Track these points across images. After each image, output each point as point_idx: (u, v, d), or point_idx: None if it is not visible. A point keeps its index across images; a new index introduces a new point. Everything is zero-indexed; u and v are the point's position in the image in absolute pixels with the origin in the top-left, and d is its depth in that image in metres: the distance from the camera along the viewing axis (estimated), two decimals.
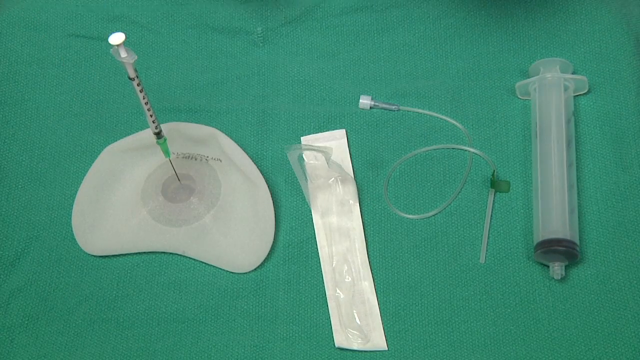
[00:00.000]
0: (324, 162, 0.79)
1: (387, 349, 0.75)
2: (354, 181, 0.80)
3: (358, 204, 0.80)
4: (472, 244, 0.79)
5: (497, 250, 0.78)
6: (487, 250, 0.78)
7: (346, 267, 0.78)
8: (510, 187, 0.81)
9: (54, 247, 0.81)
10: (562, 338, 0.75)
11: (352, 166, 0.82)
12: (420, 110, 0.84)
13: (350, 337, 0.75)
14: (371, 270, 0.78)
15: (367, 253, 0.78)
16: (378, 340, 0.75)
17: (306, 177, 0.81)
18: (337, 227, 0.79)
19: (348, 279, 0.78)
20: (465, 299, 0.77)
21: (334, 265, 0.78)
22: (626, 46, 0.85)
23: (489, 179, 0.81)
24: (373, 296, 0.77)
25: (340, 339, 0.76)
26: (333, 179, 0.80)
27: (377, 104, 0.84)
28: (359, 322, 0.76)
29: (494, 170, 0.81)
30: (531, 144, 0.82)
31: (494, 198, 0.80)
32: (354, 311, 0.76)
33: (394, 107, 0.84)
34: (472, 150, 0.82)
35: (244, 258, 0.79)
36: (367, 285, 0.77)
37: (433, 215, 0.80)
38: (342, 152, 0.82)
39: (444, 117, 0.84)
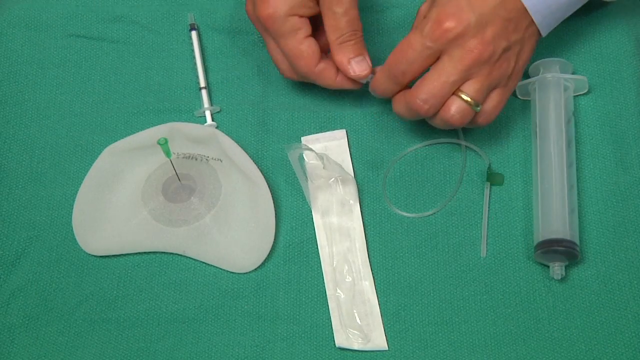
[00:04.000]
0: (327, 158, 0.79)
1: (387, 348, 0.75)
2: (354, 181, 0.80)
3: (358, 204, 0.80)
4: (472, 242, 0.79)
5: (497, 250, 0.79)
6: (487, 246, 0.78)
7: (346, 267, 0.78)
8: (504, 180, 0.81)
9: (54, 247, 0.80)
10: (562, 338, 0.75)
11: (353, 166, 0.82)
12: None
13: (351, 337, 0.76)
14: (371, 270, 0.78)
15: (368, 253, 0.78)
16: (378, 340, 0.75)
17: (306, 177, 0.81)
18: (338, 227, 0.79)
19: (348, 278, 0.78)
20: (466, 298, 0.77)
21: (334, 265, 0.78)
22: (626, 46, 0.85)
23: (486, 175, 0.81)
24: (374, 296, 0.77)
25: (341, 339, 0.76)
26: (333, 179, 0.80)
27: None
28: (359, 322, 0.76)
29: (489, 164, 0.81)
30: (531, 144, 0.82)
31: (490, 191, 0.80)
32: (355, 311, 0.76)
33: None
34: (464, 143, 0.82)
35: (244, 258, 0.79)
36: (367, 285, 0.77)
37: (432, 214, 0.80)
38: (342, 152, 0.82)
39: None
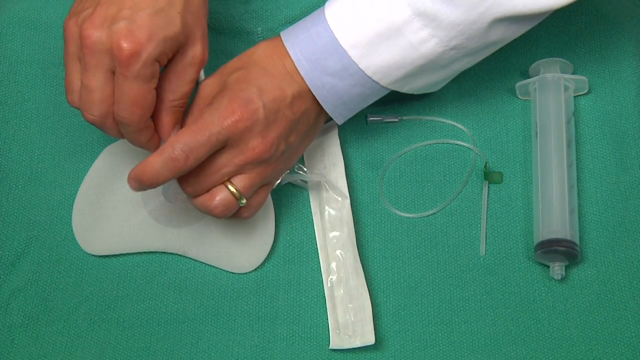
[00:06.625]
0: (319, 158, 0.79)
1: (373, 342, 0.74)
2: (344, 177, 0.80)
3: (348, 200, 0.79)
4: (472, 243, 0.79)
5: (497, 250, 0.79)
6: (486, 248, 0.78)
7: (336, 263, 0.78)
8: (504, 180, 0.81)
9: (54, 247, 0.80)
10: (562, 338, 0.75)
11: (346, 161, 0.81)
12: (424, 118, 0.84)
13: (345, 337, 0.75)
14: (362, 265, 0.77)
15: (358, 248, 0.78)
16: (368, 335, 0.75)
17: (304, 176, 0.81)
18: (331, 226, 0.79)
19: (341, 274, 0.77)
20: (465, 299, 0.77)
21: (329, 263, 0.78)
22: (626, 46, 0.85)
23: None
24: (365, 291, 0.76)
25: (336, 341, 0.75)
26: (325, 176, 0.80)
27: (374, 118, 0.83)
28: (352, 319, 0.76)
29: (486, 162, 0.81)
30: (531, 144, 0.82)
31: (488, 189, 0.80)
32: (348, 308, 0.76)
33: (396, 119, 0.83)
34: (461, 143, 0.82)
35: (244, 258, 0.79)
36: (359, 281, 0.77)
37: (432, 214, 0.80)
38: (333, 145, 0.82)
39: (448, 121, 0.83)
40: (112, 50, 0.65)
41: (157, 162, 0.68)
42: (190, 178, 0.70)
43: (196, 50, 0.69)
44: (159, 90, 0.70)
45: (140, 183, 0.69)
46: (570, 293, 0.76)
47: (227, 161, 0.69)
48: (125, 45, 0.65)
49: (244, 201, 0.71)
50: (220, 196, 0.70)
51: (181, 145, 0.67)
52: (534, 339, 0.75)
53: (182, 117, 0.72)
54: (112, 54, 0.65)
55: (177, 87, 0.70)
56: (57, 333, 0.77)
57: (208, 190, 0.71)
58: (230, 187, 0.70)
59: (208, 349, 0.76)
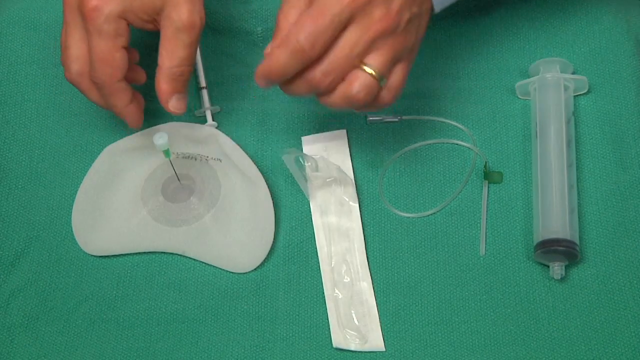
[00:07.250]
0: (323, 160, 0.79)
1: (384, 349, 0.75)
2: (353, 182, 0.80)
3: (357, 205, 0.80)
4: (472, 242, 0.79)
5: (496, 250, 0.79)
6: (486, 248, 0.78)
7: (345, 268, 0.78)
8: (504, 180, 0.81)
9: (54, 247, 0.81)
10: (562, 338, 0.75)
11: (352, 166, 0.82)
12: (424, 118, 0.84)
13: (348, 337, 0.75)
14: (370, 272, 0.78)
15: (367, 254, 0.78)
16: (376, 341, 0.75)
17: (305, 178, 0.80)
18: (337, 228, 0.79)
19: (347, 279, 0.78)
20: (465, 299, 0.77)
21: (332, 265, 0.78)
22: (626, 46, 0.85)
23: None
24: (372, 297, 0.77)
25: (338, 339, 0.76)
26: (332, 179, 0.80)
27: (374, 118, 0.83)
28: (357, 323, 0.76)
29: (486, 162, 0.81)
30: (531, 144, 0.82)
31: (488, 189, 0.80)
32: (352, 311, 0.76)
33: (396, 118, 0.84)
34: (461, 143, 0.82)
35: (244, 258, 0.79)
36: (365, 286, 0.77)
37: (431, 214, 0.80)
38: (342, 153, 0.82)
39: (448, 121, 0.83)
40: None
41: (282, 55, 0.66)
42: (325, 67, 0.67)
43: (181, 14, 0.70)
44: (158, 58, 0.71)
45: (269, 79, 0.68)
46: (570, 293, 0.76)
47: (356, 40, 0.66)
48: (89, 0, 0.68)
49: (384, 82, 0.69)
50: (359, 81, 0.67)
51: (305, 33, 0.65)
52: (534, 339, 0.75)
53: (187, 84, 0.73)
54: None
55: (172, 53, 0.71)
56: (57, 333, 0.78)
57: (344, 79, 0.68)
58: (366, 68, 0.67)
59: (208, 349, 0.76)
